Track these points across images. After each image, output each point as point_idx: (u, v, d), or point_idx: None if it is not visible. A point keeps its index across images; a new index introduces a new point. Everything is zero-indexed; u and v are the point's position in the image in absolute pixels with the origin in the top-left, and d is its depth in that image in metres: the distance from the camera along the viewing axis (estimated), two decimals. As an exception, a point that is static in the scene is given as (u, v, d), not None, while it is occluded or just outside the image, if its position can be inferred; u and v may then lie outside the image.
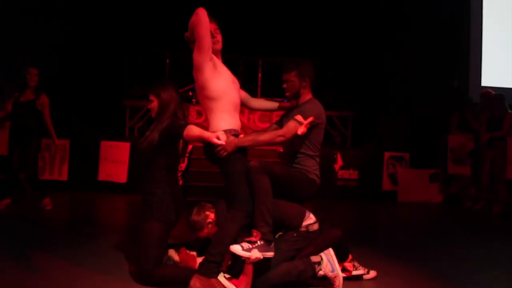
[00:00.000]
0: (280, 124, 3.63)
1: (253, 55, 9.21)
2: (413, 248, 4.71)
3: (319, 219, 3.53)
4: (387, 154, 8.04)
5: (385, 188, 7.99)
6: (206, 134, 2.97)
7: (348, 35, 9.78)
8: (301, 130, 3.37)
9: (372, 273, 3.60)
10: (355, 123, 9.24)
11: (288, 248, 3.32)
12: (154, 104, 3.42)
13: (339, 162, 7.78)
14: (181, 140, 3.48)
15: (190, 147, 7.24)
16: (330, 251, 3.34)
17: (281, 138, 3.38)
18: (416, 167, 8.08)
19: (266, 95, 9.25)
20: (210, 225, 3.44)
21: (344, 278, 3.40)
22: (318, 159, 3.58)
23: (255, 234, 3.07)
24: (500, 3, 9.78)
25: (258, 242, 3.06)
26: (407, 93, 9.40)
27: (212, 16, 3.36)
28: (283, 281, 3.21)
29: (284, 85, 3.58)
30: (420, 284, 3.51)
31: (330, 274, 3.23)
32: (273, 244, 3.12)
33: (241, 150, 3.32)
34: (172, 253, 3.49)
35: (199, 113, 8.05)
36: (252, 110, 4.06)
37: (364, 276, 3.57)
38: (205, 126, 3.46)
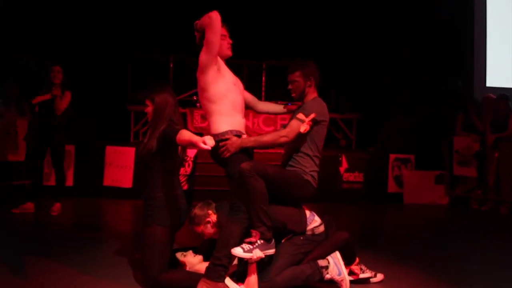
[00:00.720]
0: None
1: (256, 59, 9.23)
2: (420, 251, 4.69)
3: (324, 221, 3.52)
4: (392, 156, 8.01)
5: (391, 190, 7.95)
6: (194, 138, 2.96)
7: (351, 37, 9.76)
8: (303, 128, 3.34)
9: (380, 276, 3.58)
10: (359, 125, 9.22)
11: (295, 251, 3.31)
12: (149, 109, 3.45)
13: (344, 164, 7.76)
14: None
15: (195, 151, 7.24)
16: (337, 254, 3.34)
17: (284, 139, 3.36)
18: (422, 169, 8.04)
19: (270, 99, 9.24)
20: (208, 225, 3.44)
21: (351, 282, 3.39)
22: (317, 160, 3.52)
23: (254, 234, 3.07)
24: (504, 2, 9.75)
25: (258, 241, 3.06)
26: (412, 95, 9.37)
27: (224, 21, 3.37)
28: (290, 285, 3.20)
29: (290, 86, 3.56)
30: (427, 286, 3.49)
31: (337, 277, 3.22)
32: (273, 241, 3.12)
33: (246, 152, 3.31)
34: (178, 255, 3.49)
35: (204, 117, 8.04)
36: (259, 113, 4.06)
37: (371, 279, 3.55)
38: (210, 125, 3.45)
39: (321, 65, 3.67)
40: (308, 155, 3.45)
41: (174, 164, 3.48)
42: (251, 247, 3.03)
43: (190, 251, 3.53)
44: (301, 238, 3.36)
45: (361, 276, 3.52)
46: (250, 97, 3.76)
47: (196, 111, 8.15)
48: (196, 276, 3.18)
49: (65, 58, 8.79)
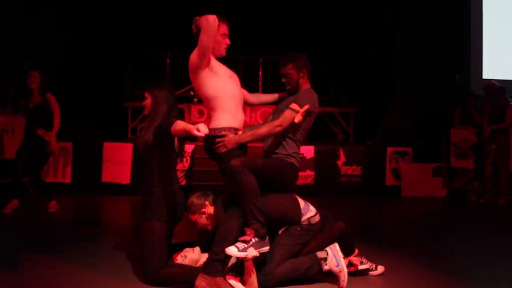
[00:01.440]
0: (274, 113, 3.65)
1: (253, 54, 9.22)
2: (419, 243, 4.70)
3: (321, 214, 3.53)
4: (390, 149, 8.03)
5: (389, 183, 7.98)
6: (188, 126, 2.99)
7: (349, 32, 9.76)
8: (297, 119, 3.40)
9: (380, 269, 3.59)
10: (357, 119, 9.23)
11: (292, 243, 3.33)
12: (148, 101, 3.47)
13: (342, 158, 7.77)
14: (176, 138, 3.49)
15: (193, 146, 7.25)
16: (336, 245, 3.35)
17: (279, 128, 3.40)
18: (419, 162, 8.07)
19: (267, 93, 9.27)
20: (203, 215, 3.44)
21: (351, 273, 3.40)
22: (299, 144, 3.57)
23: (248, 232, 3.07)
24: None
25: (252, 240, 3.06)
26: (409, 88, 9.39)
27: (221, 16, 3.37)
28: (289, 278, 3.22)
29: (284, 79, 3.61)
30: (426, 279, 3.51)
31: (335, 268, 3.24)
32: (267, 238, 3.13)
33: (241, 147, 3.33)
34: (180, 260, 3.46)
35: (201, 112, 8.05)
36: (252, 105, 4.07)
37: (371, 272, 3.56)
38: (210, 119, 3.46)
39: (319, 59, 3.69)
40: (291, 138, 3.50)
41: (171, 158, 3.49)
42: (246, 246, 3.04)
43: (187, 249, 3.51)
44: (298, 228, 3.38)
45: (360, 267, 3.53)
46: (242, 92, 3.77)
47: (194, 107, 8.15)
48: (195, 270, 3.19)
49: (63, 56, 8.82)
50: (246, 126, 3.70)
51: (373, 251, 4.03)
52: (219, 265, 3.09)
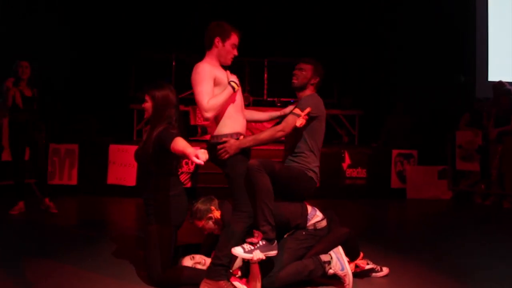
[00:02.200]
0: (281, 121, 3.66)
1: (258, 56, 9.23)
2: (424, 245, 4.70)
3: (327, 217, 3.54)
4: (395, 152, 8.01)
5: (394, 186, 7.96)
6: (187, 150, 2.86)
7: (353, 33, 9.76)
8: (299, 122, 3.38)
9: (385, 270, 3.61)
10: (362, 121, 9.23)
11: (297, 246, 3.34)
12: (148, 104, 3.45)
13: (347, 160, 7.76)
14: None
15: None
16: (340, 249, 3.35)
17: (281, 133, 3.39)
18: (425, 164, 8.04)
19: (272, 95, 9.30)
20: (210, 221, 3.45)
21: (356, 274, 3.41)
22: (318, 154, 3.57)
23: (256, 234, 3.08)
24: (506, -3, 9.73)
25: (260, 242, 3.06)
26: (414, 90, 9.36)
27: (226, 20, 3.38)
28: (293, 281, 3.23)
29: (296, 72, 3.61)
30: (431, 281, 3.51)
31: (339, 272, 3.24)
32: (275, 242, 3.12)
33: (243, 152, 3.34)
34: (187, 262, 3.47)
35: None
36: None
37: (376, 274, 3.57)
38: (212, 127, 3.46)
39: (323, 61, 3.70)
40: (309, 151, 3.50)
41: (172, 165, 3.46)
42: (252, 247, 3.04)
43: (200, 255, 3.52)
44: (304, 233, 3.38)
45: (366, 267, 3.54)
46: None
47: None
48: (199, 273, 3.21)
49: (68, 57, 8.86)
50: (252, 128, 3.70)
51: (378, 253, 4.03)
52: (222, 269, 3.11)
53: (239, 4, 9.28)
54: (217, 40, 3.36)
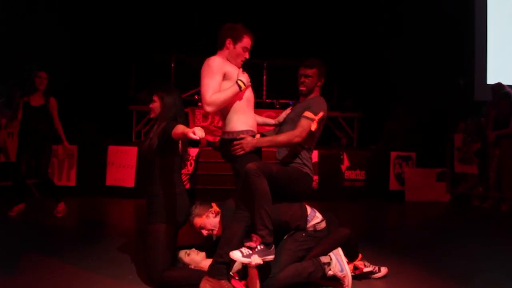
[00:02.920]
0: (283, 123, 3.68)
1: (257, 58, 9.24)
2: (422, 248, 4.71)
3: (326, 218, 3.55)
4: (393, 154, 8.03)
5: (392, 188, 7.98)
6: (185, 130, 2.99)
7: (352, 35, 9.78)
8: (314, 126, 3.42)
9: (383, 270, 3.61)
10: (361, 123, 9.25)
11: (297, 248, 3.34)
12: (156, 104, 3.50)
13: (346, 162, 7.78)
14: (180, 142, 3.51)
15: (197, 150, 7.27)
16: (339, 251, 3.36)
17: (297, 139, 3.40)
18: (423, 167, 8.06)
19: (271, 97, 9.32)
20: (210, 215, 3.44)
21: (355, 277, 3.42)
22: (310, 151, 3.59)
23: (254, 239, 3.07)
24: (505, -1, 9.75)
25: (258, 247, 3.05)
26: (413, 93, 9.38)
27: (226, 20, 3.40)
28: (293, 282, 3.23)
29: (303, 79, 3.60)
30: (429, 284, 3.52)
31: (339, 274, 3.25)
32: (273, 247, 3.12)
33: (256, 152, 3.35)
34: (182, 254, 3.51)
35: (205, 116, 8.08)
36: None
37: (375, 275, 3.58)
38: (212, 129, 3.49)
39: (322, 63, 3.71)
40: (305, 148, 3.52)
41: (175, 162, 3.50)
42: (250, 252, 3.04)
43: (193, 249, 3.54)
44: (303, 234, 3.39)
45: (366, 270, 3.55)
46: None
47: (198, 110, 8.17)
48: (200, 273, 3.21)
49: (67, 59, 8.87)
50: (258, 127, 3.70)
51: (376, 255, 4.03)
52: (223, 267, 3.11)
53: (238, 5, 9.29)
54: (228, 42, 3.39)
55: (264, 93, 9.32)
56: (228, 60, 3.42)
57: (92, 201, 6.92)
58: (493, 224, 6.34)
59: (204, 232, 3.46)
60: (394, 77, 9.76)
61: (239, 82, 3.33)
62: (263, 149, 3.54)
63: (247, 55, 3.48)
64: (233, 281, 3.16)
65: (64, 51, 8.81)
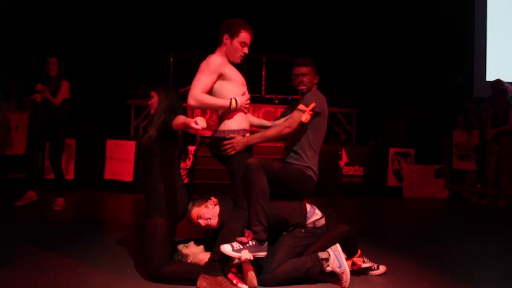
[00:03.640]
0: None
1: (256, 53, 9.22)
2: (420, 244, 4.71)
3: (325, 215, 3.55)
4: (392, 150, 8.04)
5: (391, 184, 7.99)
6: (187, 120, 3.01)
7: (351, 32, 9.77)
8: (305, 117, 3.39)
9: (382, 268, 3.61)
10: (359, 119, 9.24)
11: (296, 244, 3.34)
12: (154, 100, 3.51)
13: (344, 158, 7.78)
14: (180, 135, 3.50)
15: (195, 144, 7.25)
16: (337, 247, 3.36)
17: (287, 130, 3.40)
18: (421, 163, 8.07)
19: (270, 92, 9.31)
20: (210, 205, 3.44)
21: (353, 272, 3.42)
22: (318, 151, 3.58)
23: (247, 234, 3.06)
24: (504, -3, 9.75)
25: (250, 242, 3.05)
26: (412, 89, 9.38)
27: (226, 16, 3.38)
28: (291, 277, 3.23)
29: (301, 78, 3.59)
30: (427, 280, 3.52)
31: (337, 270, 3.25)
32: (266, 244, 3.11)
33: (248, 150, 3.34)
34: (181, 247, 3.50)
35: (204, 111, 8.04)
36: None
37: (373, 272, 3.58)
38: (211, 124, 3.48)
39: (321, 59, 3.70)
40: (310, 147, 3.51)
41: (174, 155, 3.50)
42: (241, 247, 3.03)
43: (192, 242, 3.54)
44: (302, 231, 3.39)
45: (364, 266, 3.55)
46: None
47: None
48: (197, 268, 3.21)
49: (66, 53, 8.83)
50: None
51: (375, 252, 4.04)
52: (219, 265, 3.10)
53: (238, 2, 9.26)
54: (225, 37, 3.36)
55: (263, 88, 9.30)
56: (226, 56, 3.38)
57: (90, 195, 6.92)
58: (492, 221, 6.35)
59: (202, 222, 3.43)
60: (393, 73, 9.76)
61: (233, 101, 3.26)
62: (265, 144, 3.53)
63: (246, 50, 3.43)
64: (230, 275, 3.15)
65: (62, 44, 8.77)
